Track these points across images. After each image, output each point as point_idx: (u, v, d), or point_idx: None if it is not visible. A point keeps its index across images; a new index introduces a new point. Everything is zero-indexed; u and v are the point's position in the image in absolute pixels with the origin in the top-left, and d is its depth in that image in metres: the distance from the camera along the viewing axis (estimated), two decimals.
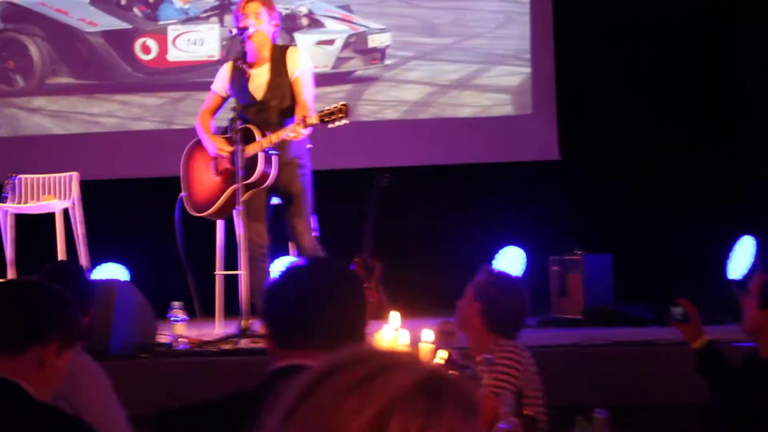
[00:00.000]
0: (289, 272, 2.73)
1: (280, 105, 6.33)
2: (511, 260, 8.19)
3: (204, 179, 6.53)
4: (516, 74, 8.87)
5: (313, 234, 6.45)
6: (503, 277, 4.43)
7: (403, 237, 8.57)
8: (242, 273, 6.25)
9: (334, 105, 6.06)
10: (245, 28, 6.31)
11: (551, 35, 8.70)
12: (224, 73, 6.57)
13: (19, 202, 8.03)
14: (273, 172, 6.25)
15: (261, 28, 6.36)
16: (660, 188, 8.49)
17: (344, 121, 6.01)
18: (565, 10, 8.69)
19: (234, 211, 6.41)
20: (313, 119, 6.04)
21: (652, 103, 8.61)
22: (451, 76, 8.95)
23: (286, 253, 6.75)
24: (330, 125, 6.04)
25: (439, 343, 4.18)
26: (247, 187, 6.23)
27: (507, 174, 8.72)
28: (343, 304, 2.63)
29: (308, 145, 6.46)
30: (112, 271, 8.36)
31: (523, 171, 8.70)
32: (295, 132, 6.09)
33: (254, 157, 6.21)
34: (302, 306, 2.61)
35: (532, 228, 8.39)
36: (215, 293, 7.13)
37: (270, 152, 6.20)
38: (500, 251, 8.29)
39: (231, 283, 6.88)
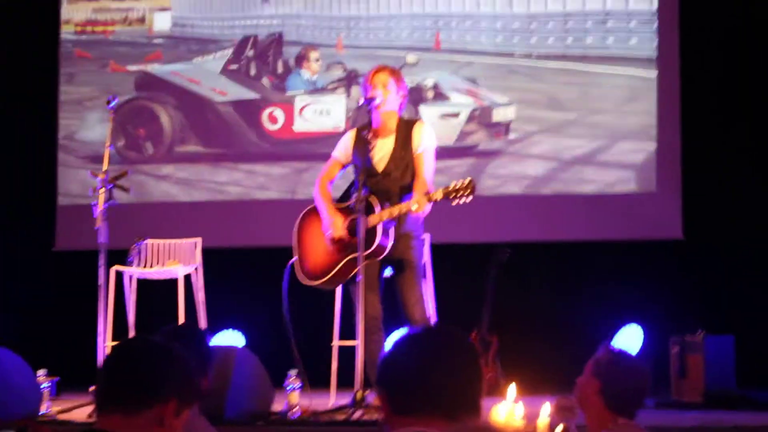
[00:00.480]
0: (407, 339, 2.73)
1: (402, 178, 6.35)
2: (630, 338, 8.08)
3: (318, 247, 6.52)
4: (641, 151, 8.82)
5: (425, 308, 6.40)
6: (624, 355, 4.36)
7: (521, 312, 8.53)
8: (358, 344, 6.24)
9: (461, 181, 6.04)
10: (373, 98, 6.37)
11: (678, 111, 8.64)
12: (347, 140, 6.60)
13: (144, 267, 8.20)
14: (389, 244, 6.25)
15: (388, 99, 6.41)
16: None
17: (469, 198, 6.02)
18: (693, 86, 8.62)
19: (351, 281, 6.42)
20: (438, 195, 6.04)
21: None
22: (574, 152, 8.93)
23: (400, 325, 6.74)
24: (454, 202, 6.04)
25: (558, 419, 4.14)
26: (363, 259, 6.22)
27: (628, 251, 8.65)
28: (459, 372, 2.63)
29: (421, 221, 6.45)
30: (230, 338, 8.46)
31: (645, 248, 8.61)
32: (418, 205, 6.08)
33: (372, 229, 6.21)
34: (420, 372, 2.62)
35: (653, 307, 8.29)
36: (331, 363, 7.16)
37: (389, 225, 6.21)
38: (620, 329, 8.18)
39: (346, 353, 6.90)
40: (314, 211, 6.60)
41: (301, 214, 6.70)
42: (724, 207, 8.50)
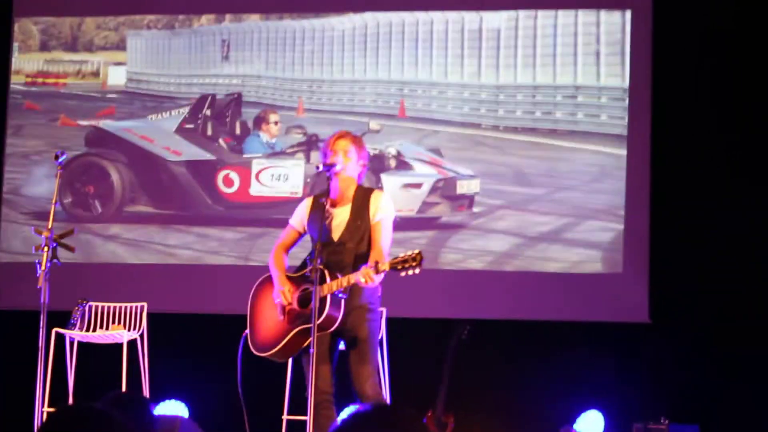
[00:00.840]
0: (354, 417, 2.69)
1: (357, 248, 6.36)
2: (591, 425, 8.11)
3: (269, 318, 6.52)
4: (608, 230, 8.90)
5: (378, 384, 6.40)
6: None
7: (479, 392, 8.53)
8: (308, 419, 6.23)
9: (409, 253, 6.07)
10: (332, 165, 6.40)
11: (647, 191, 8.73)
12: (304, 208, 6.63)
13: (87, 330, 8.18)
14: (340, 316, 6.27)
15: (348, 166, 6.45)
16: (755, 359, 8.40)
17: (416, 270, 6.03)
18: (663, 166, 8.73)
19: (304, 353, 6.43)
20: (385, 266, 6.06)
21: (747, 264, 8.57)
22: (540, 228, 9.01)
23: (354, 401, 6.75)
24: (402, 273, 6.06)
25: None
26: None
27: (592, 333, 8.67)
28: None
29: (378, 293, 6.49)
30: (173, 408, 8.42)
31: (610, 330, 8.66)
32: (366, 277, 6.09)
33: (323, 300, 6.23)
34: None
35: (616, 391, 8.32)
36: None
37: (339, 295, 6.21)
38: (581, 414, 8.22)
39: (296, 428, 6.90)
40: (269, 281, 6.61)
41: (257, 283, 6.71)
42: (692, 290, 8.58)
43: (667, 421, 7.58)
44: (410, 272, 6.00)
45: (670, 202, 8.73)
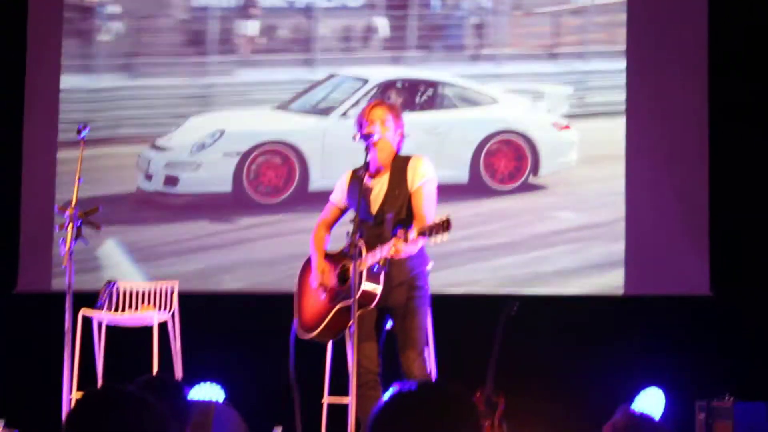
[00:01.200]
0: (400, 395, 2.63)
1: (396, 219, 6.28)
2: (651, 403, 8.03)
3: (312, 298, 6.51)
4: None
5: (426, 365, 6.34)
6: (645, 420, 4.31)
7: (530, 371, 8.47)
8: (350, 401, 6.19)
9: (437, 218, 5.98)
10: (370, 135, 6.35)
11: (707, 158, 8.63)
12: (343, 182, 6.59)
13: (115, 311, 8.16)
14: (379, 291, 6.20)
15: (386, 136, 6.39)
16: None
17: (444, 237, 5.92)
18: (722, 131, 8.64)
19: (346, 333, 6.40)
20: (413, 233, 5.97)
21: None
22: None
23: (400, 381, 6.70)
24: (432, 241, 5.96)
25: None
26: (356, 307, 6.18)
27: (651, 307, 8.60)
28: None
29: (429, 266, 6.42)
30: (208, 392, 8.41)
31: (669, 304, 8.58)
32: (395, 248, 6.02)
33: (359, 275, 6.17)
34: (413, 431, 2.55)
35: (677, 368, 8.24)
36: (321, 423, 7.11)
37: (375, 269, 6.15)
38: (640, 392, 8.14)
39: (340, 412, 6.85)
40: None
41: (302, 264, 6.69)
42: (755, 260, 8.49)
43: (731, 399, 7.49)
44: (438, 239, 5.90)
45: (730, 169, 8.63)
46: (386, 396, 2.66)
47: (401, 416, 2.58)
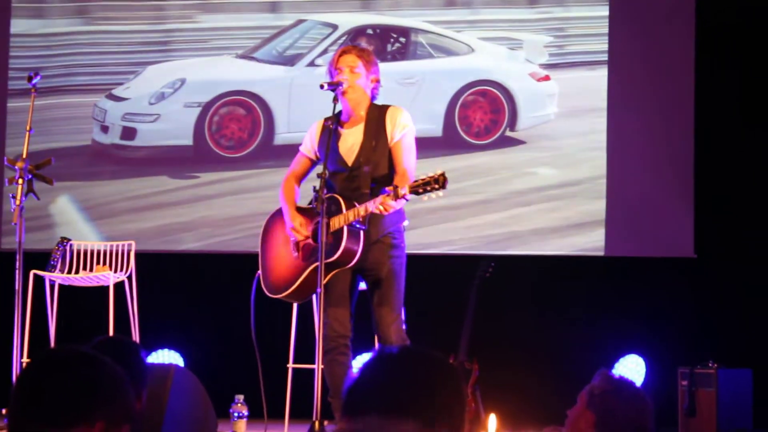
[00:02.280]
0: (377, 361, 2.64)
1: (374, 172, 6.23)
2: (631, 370, 8.08)
3: (282, 256, 6.45)
4: None
5: (402, 329, 6.32)
6: (624, 384, 4.32)
7: (505, 336, 8.49)
8: (316, 366, 6.17)
9: (430, 174, 5.94)
10: (338, 84, 6.31)
11: (692, 120, 8.62)
12: (313, 132, 6.53)
13: (68, 272, 8.13)
14: (359, 249, 6.16)
15: (357, 83, 6.35)
16: None
17: (440, 193, 5.90)
18: (708, 93, 8.64)
19: (313, 295, 6.38)
20: (405, 190, 5.92)
21: None
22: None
23: (372, 347, 6.69)
24: (425, 197, 5.92)
25: None
26: (330, 267, 6.14)
27: (632, 269, 8.62)
28: (439, 399, 2.58)
29: (404, 223, 6.38)
30: (166, 357, 8.41)
31: (649, 266, 8.60)
32: (384, 204, 5.96)
33: (339, 232, 6.13)
34: (392, 399, 2.56)
35: (659, 334, 8.28)
36: (286, 389, 7.12)
37: (357, 226, 6.09)
38: (619, 360, 8.18)
39: (305, 378, 6.86)
40: (280, 214, 6.53)
41: (267, 218, 6.64)
42: (740, 222, 8.51)
43: (715, 365, 7.53)
44: (433, 195, 5.88)
45: (715, 131, 8.63)
46: (365, 361, 2.67)
47: (382, 382, 2.59)
